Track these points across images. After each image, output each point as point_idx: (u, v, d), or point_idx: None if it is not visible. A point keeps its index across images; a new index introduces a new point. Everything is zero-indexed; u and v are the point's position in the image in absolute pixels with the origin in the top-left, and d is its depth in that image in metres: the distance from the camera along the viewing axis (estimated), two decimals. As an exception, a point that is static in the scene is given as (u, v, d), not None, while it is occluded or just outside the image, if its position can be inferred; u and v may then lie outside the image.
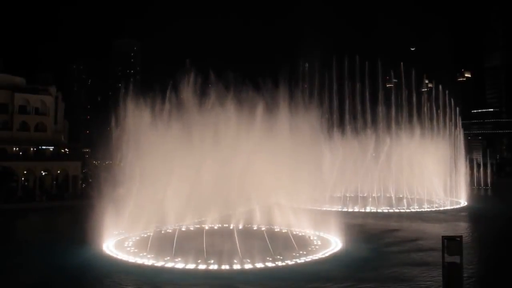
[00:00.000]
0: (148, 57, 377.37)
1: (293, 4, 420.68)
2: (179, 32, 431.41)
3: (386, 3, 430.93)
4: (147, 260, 31.35)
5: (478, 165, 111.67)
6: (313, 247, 35.25)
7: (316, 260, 31.95)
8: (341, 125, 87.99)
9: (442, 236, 19.22)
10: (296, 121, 46.55)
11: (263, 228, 39.76)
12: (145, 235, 37.57)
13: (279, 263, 30.49)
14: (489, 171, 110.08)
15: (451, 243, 18.90)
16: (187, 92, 42.54)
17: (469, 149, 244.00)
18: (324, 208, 51.62)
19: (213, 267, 29.61)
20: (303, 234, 39.33)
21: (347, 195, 65.92)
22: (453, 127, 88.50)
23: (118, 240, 37.39)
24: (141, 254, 32.64)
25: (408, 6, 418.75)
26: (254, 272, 28.83)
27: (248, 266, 29.76)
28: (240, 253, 30.95)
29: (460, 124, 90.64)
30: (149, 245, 33.51)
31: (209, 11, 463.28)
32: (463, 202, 69.15)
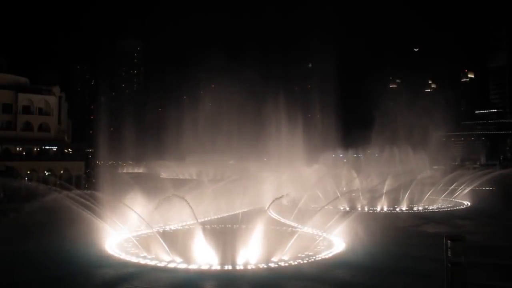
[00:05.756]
0: (152, 57, 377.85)
1: (298, 4, 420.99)
2: (182, 30, 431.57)
3: (390, 4, 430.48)
4: (149, 260, 31.40)
5: (482, 166, 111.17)
6: (317, 247, 35.18)
7: (319, 260, 31.93)
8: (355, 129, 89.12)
9: (445, 236, 19.11)
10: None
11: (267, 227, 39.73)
12: (149, 234, 37.58)
13: (282, 264, 30.47)
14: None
15: (454, 243, 18.80)
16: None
17: (473, 149, 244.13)
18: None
19: (216, 267, 29.63)
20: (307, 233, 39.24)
21: (354, 194, 65.70)
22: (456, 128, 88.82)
23: (120, 239, 37.41)
24: (143, 254, 32.69)
25: (412, 7, 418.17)
26: (257, 272, 28.82)
27: (251, 266, 29.77)
28: (243, 253, 30.94)
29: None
30: (153, 244, 33.58)
31: (213, 7, 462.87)
32: (466, 203, 68.91)
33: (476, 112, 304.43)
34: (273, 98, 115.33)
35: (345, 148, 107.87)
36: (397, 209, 62.21)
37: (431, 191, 68.52)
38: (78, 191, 40.65)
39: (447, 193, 73.02)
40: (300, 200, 46.09)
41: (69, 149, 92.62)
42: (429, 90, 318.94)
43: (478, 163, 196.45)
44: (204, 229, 33.55)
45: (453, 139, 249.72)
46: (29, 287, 27.42)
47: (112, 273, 29.55)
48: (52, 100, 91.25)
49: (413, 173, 72.49)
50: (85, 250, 34.04)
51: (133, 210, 38.01)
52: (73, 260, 31.87)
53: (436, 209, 63.52)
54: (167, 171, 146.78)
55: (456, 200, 71.36)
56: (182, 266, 29.99)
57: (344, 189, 71.06)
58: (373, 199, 63.76)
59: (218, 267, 29.55)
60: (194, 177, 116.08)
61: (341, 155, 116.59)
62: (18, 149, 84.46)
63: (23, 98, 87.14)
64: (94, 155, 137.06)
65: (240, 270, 29.19)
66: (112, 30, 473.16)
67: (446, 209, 63.20)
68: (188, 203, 33.99)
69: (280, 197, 36.55)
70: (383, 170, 72.89)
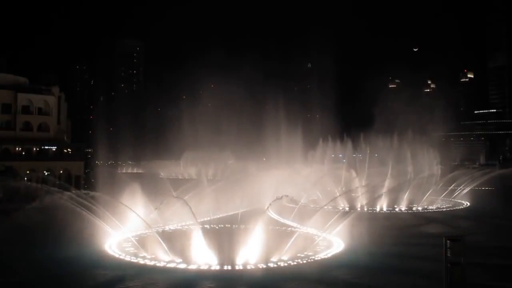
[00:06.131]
0: (151, 57, 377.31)
1: (298, 2, 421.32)
2: (181, 29, 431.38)
3: (390, 3, 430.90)
4: (149, 260, 31.38)
5: (481, 166, 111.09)
6: (317, 247, 35.15)
7: (318, 260, 31.90)
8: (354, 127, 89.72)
9: (444, 237, 19.09)
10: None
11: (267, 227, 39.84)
12: (148, 234, 37.60)
13: (281, 264, 30.45)
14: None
15: (453, 243, 18.78)
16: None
17: (472, 149, 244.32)
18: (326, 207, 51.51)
19: (215, 267, 29.60)
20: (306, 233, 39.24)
21: (353, 194, 65.73)
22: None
23: (120, 239, 37.39)
24: (142, 254, 32.67)
25: (411, 7, 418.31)
26: (257, 273, 28.81)
27: (250, 266, 29.76)
28: (242, 253, 30.92)
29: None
30: (152, 245, 33.58)
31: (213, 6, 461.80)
32: (466, 202, 68.94)
33: (475, 112, 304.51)
34: (272, 98, 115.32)
35: (345, 147, 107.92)
36: (397, 209, 62.23)
37: (430, 191, 68.56)
38: (78, 192, 40.62)
39: (446, 193, 73.11)
40: (300, 200, 46.11)
41: (69, 149, 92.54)
42: (428, 90, 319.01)
43: (477, 163, 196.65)
44: (203, 229, 33.55)
45: (452, 139, 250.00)
46: (29, 287, 27.44)
47: (111, 273, 29.54)
48: (52, 100, 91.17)
49: (424, 172, 72.52)
50: (85, 250, 34.04)
51: (132, 210, 38.01)
52: (73, 260, 31.85)
53: (435, 209, 63.58)
54: (166, 171, 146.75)
55: (455, 200, 71.43)
56: (181, 266, 29.98)
57: (343, 188, 71.10)
58: (373, 199, 63.79)
59: (217, 267, 29.54)
60: (194, 177, 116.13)
61: (340, 155, 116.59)
62: (17, 149, 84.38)
63: (23, 98, 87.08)
64: (93, 155, 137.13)
65: (239, 270, 29.18)
66: (111, 30, 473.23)
67: (446, 209, 63.25)
68: (188, 204, 33.99)
69: (280, 197, 36.53)
70: (387, 170, 72.69)
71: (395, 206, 63.25)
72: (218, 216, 49.45)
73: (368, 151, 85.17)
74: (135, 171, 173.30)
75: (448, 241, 18.89)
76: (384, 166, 75.81)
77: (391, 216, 57.22)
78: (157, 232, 35.96)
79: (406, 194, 65.57)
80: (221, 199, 51.45)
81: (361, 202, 63.69)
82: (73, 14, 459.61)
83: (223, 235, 37.75)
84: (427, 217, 56.39)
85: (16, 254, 34.17)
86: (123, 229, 38.26)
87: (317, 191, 65.62)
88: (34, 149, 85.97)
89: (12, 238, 38.95)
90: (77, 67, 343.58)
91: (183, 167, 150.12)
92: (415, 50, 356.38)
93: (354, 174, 77.55)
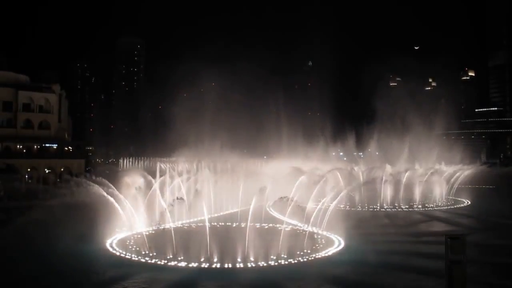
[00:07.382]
0: (152, 55, 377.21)
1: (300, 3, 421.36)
2: (181, 28, 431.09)
3: (391, 2, 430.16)
4: (150, 258, 31.41)
5: (482, 164, 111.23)
6: (317, 245, 35.17)
7: (319, 258, 31.91)
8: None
9: (446, 235, 19.15)
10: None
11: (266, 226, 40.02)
12: (149, 233, 37.62)
13: (283, 262, 30.44)
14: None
15: (454, 242, 18.84)
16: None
17: (473, 148, 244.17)
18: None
19: (216, 265, 29.63)
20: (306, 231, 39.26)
21: (351, 193, 65.64)
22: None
23: (122, 237, 37.43)
24: (144, 252, 32.71)
25: (412, 5, 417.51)
26: (257, 270, 28.83)
27: (251, 264, 29.79)
28: (244, 251, 30.95)
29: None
30: (153, 243, 33.64)
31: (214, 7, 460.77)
32: (466, 201, 68.92)
33: (476, 110, 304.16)
34: (272, 97, 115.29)
35: (346, 146, 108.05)
36: (397, 207, 62.17)
37: (425, 188, 68.68)
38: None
39: (447, 192, 73.09)
40: (299, 199, 46.06)
41: (69, 147, 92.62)
42: (429, 88, 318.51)
43: (478, 162, 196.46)
44: (203, 227, 33.57)
45: (453, 137, 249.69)
46: (32, 282, 27.53)
47: (112, 271, 29.58)
48: (52, 98, 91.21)
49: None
50: (87, 248, 34.11)
51: (133, 209, 38.07)
52: (74, 258, 31.87)
53: (435, 207, 63.56)
54: (166, 168, 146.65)
55: (456, 198, 71.40)
56: (182, 264, 30.00)
57: (345, 187, 70.97)
58: (373, 197, 63.78)
59: (218, 265, 29.55)
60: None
61: (341, 153, 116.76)
62: (18, 147, 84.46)
63: (23, 96, 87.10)
64: (94, 153, 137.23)
65: (239, 268, 29.19)
66: (112, 27, 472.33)
67: (446, 207, 63.23)
68: (188, 203, 33.99)
69: (281, 198, 36.59)
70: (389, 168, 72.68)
71: (396, 204, 63.22)
72: (218, 214, 49.46)
73: (369, 149, 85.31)
74: (135, 168, 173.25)
75: (449, 239, 18.96)
76: (383, 165, 75.86)
77: (391, 214, 57.16)
78: (158, 230, 35.99)
79: (406, 192, 65.55)
80: (222, 197, 51.48)
81: (361, 200, 63.69)
82: (74, 11, 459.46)
83: (224, 233, 37.79)
84: (428, 215, 56.34)
85: (20, 251, 34.25)
86: (125, 227, 38.31)
87: (317, 189, 65.49)
88: (35, 147, 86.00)
89: (15, 236, 39.07)
90: (78, 64, 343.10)
91: (182, 165, 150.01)
92: (416, 48, 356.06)
93: (354, 172, 77.48)
